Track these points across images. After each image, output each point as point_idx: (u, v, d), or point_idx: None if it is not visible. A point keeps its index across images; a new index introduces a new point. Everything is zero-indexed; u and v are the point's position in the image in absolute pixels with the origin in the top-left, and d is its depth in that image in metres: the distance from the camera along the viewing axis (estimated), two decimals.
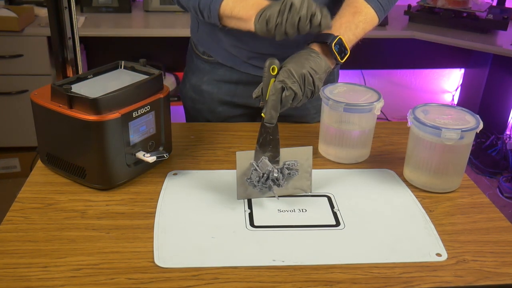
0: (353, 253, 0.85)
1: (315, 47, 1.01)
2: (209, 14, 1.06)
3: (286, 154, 0.98)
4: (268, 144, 0.96)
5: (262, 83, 0.95)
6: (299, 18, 0.89)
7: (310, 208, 0.96)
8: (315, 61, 0.96)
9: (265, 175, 0.94)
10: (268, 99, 0.93)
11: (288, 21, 0.90)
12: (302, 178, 1.00)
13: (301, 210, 0.95)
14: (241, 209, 0.95)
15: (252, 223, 0.91)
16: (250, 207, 0.96)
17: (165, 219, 0.91)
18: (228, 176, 1.05)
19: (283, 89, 0.92)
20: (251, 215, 0.93)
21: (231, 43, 1.22)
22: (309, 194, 1.00)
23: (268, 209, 0.95)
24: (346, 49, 1.04)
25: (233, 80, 1.29)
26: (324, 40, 1.01)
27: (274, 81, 0.93)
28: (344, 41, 1.03)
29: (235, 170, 1.06)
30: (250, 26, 0.98)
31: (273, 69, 0.92)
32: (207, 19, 1.09)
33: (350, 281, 0.79)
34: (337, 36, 1.01)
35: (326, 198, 0.99)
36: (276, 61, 0.93)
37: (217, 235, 0.87)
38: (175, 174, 1.05)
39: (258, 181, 0.95)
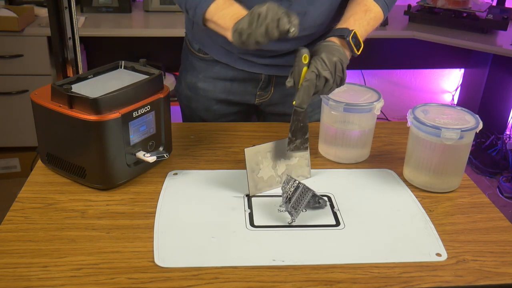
0: (353, 253, 0.85)
1: (335, 40, 1.04)
2: (194, 14, 1.09)
3: (284, 144, 1.01)
4: (299, 130, 1.01)
5: (293, 72, 0.98)
6: (267, 26, 0.92)
7: (310, 208, 0.96)
8: (339, 51, 1.01)
9: (288, 197, 0.94)
10: (301, 85, 0.96)
11: (258, 31, 0.93)
12: (302, 166, 1.03)
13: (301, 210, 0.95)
14: (241, 209, 0.95)
15: (252, 223, 0.91)
16: (250, 207, 0.96)
17: (165, 219, 0.91)
18: (228, 176, 1.05)
19: (316, 76, 0.96)
20: (251, 215, 0.93)
21: (225, 39, 1.22)
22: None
23: (268, 209, 0.95)
24: (360, 43, 1.08)
25: (228, 77, 1.29)
26: (341, 34, 1.05)
27: (307, 69, 0.96)
28: (358, 35, 1.07)
29: (235, 170, 1.06)
30: (228, 35, 1.01)
31: (305, 58, 0.96)
32: (191, 18, 1.12)
33: (350, 281, 0.79)
34: (352, 30, 1.06)
35: (326, 198, 0.99)
36: (307, 50, 0.97)
37: (217, 235, 0.87)
38: (175, 174, 1.05)
39: (287, 198, 0.94)
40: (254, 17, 0.93)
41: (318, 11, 1.15)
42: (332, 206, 0.97)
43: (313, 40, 1.22)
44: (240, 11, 1.02)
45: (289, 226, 0.91)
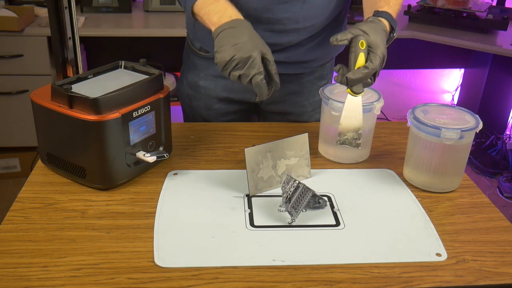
0: (353, 253, 0.85)
1: (386, 24, 1.03)
2: (184, 8, 1.10)
3: (284, 144, 1.00)
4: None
5: (352, 57, 0.95)
6: (241, 74, 0.96)
7: (310, 208, 0.96)
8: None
9: (288, 197, 0.93)
10: (360, 71, 0.94)
11: (233, 73, 0.96)
12: (302, 165, 1.03)
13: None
14: (241, 209, 0.95)
15: (252, 223, 0.91)
16: (250, 207, 0.96)
17: (165, 219, 0.91)
18: (228, 176, 1.05)
19: (374, 72, 0.95)
20: (251, 215, 0.93)
21: None
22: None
23: (268, 209, 0.95)
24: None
25: None
26: (392, 25, 1.04)
27: (363, 54, 0.95)
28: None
29: (235, 170, 1.06)
30: (213, 31, 1.02)
31: (362, 44, 0.95)
32: (183, 9, 1.12)
33: (350, 281, 0.79)
34: (396, 28, 1.05)
35: (326, 198, 0.99)
36: (363, 37, 0.95)
37: (217, 235, 0.87)
38: (175, 174, 1.05)
39: (287, 198, 0.93)
40: (232, 62, 0.95)
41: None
42: (332, 206, 0.97)
43: (313, 33, 1.21)
44: (225, 8, 1.01)
45: (289, 226, 0.91)
